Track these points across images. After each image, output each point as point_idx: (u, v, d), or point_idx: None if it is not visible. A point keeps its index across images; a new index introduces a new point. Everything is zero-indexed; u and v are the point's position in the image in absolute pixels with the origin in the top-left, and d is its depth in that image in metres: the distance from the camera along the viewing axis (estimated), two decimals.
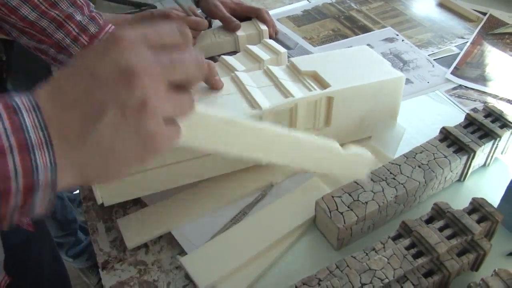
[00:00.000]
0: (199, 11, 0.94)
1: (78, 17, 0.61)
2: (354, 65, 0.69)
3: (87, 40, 0.61)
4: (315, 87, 0.64)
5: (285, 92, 0.63)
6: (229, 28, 0.92)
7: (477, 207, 0.53)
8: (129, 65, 0.30)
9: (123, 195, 0.61)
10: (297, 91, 0.63)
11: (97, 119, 0.30)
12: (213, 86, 0.63)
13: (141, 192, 0.61)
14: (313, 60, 0.69)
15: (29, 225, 0.66)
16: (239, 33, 0.91)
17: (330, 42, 0.96)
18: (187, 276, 0.57)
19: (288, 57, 0.79)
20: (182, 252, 0.59)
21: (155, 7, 1.08)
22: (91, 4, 0.64)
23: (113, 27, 0.64)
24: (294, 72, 0.67)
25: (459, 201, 0.60)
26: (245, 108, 0.60)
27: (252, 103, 0.61)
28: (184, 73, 0.33)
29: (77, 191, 1.53)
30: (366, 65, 0.69)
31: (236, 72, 0.66)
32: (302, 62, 0.68)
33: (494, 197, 0.58)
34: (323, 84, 0.64)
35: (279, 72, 0.67)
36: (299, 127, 0.64)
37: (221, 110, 0.40)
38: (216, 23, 0.97)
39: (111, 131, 0.31)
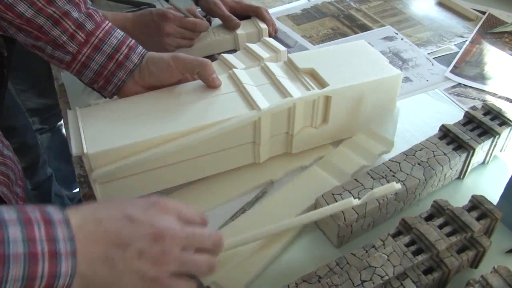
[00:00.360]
0: (198, 10, 0.94)
1: (75, 14, 0.60)
2: (351, 62, 0.69)
3: (83, 37, 0.61)
4: (313, 85, 0.64)
5: (283, 91, 0.63)
6: (228, 26, 0.92)
7: (477, 204, 0.53)
8: (161, 225, 0.41)
9: (125, 195, 0.61)
10: (295, 90, 0.63)
11: (118, 252, 0.39)
12: (211, 84, 0.63)
13: (141, 192, 0.61)
14: (310, 56, 0.70)
15: None
16: (239, 31, 0.91)
17: (330, 41, 0.96)
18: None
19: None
20: None
21: (153, 6, 1.08)
22: (88, 1, 0.64)
23: (110, 24, 0.64)
24: (292, 69, 0.67)
25: (459, 199, 0.60)
26: (244, 109, 0.60)
27: (251, 103, 0.61)
28: (200, 244, 0.44)
29: (77, 190, 1.52)
30: (363, 62, 0.69)
31: (233, 69, 0.66)
32: (300, 59, 0.68)
33: (494, 195, 0.59)
34: (320, 82, 0.64)
35: (277, 69, 0.67)
36: (297, 126, 0.64)
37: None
38: (216, 21, 0.97)
39: (126, 266, 0.39)
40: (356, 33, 0.99)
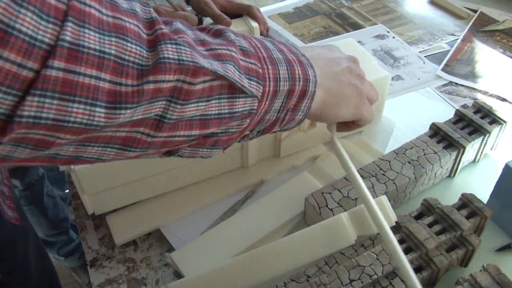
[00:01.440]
0: (189, 9, 0.93)
1: None
2: None
3: None
4: None
5: None
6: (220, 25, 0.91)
7: (466, 202, 0.53)
8: (355, 68, 0.49)
9: (112, 204, 0.61)
10: None
11: (336, 66, 0.46)
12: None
13: (129, 201, 0.61)
14: None
15: (16, 219, 0.65)
16: None
17: (321, 39, 0.96)
18: (175, 273, 0.57)
19: None
20: (171, 249, 0.59)
21: (146, 4, 1.07)
22: None
23: None
24: None
25: (449, 197, 0.60)
26: None
27: None
28: (373, 96, 0.51)
29: (67, 190, 1.51)
30: None
31: None
32: None
33: (484, 193, 0.59)
34: None
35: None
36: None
37: None
38: (207, 20, 0.96)
39: (344, 77, 0.46)
40: (348, 31, 0.98)
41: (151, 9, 0.32)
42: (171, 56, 0.30)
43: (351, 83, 0.46)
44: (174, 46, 0.30)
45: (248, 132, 0.41)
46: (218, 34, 0.38)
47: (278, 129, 0.44)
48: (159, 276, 0.57)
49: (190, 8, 0.96)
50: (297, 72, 0.40)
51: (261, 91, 0.37)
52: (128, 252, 0.60)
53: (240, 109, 0.36)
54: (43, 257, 0.82)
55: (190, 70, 0.31)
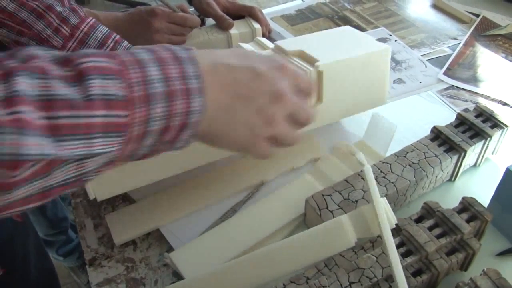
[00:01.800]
0: (191, 9, 0.93)
1: (59, 8, 0.60)
2: (339, 42, 0.68)
3: (68, 31, 0.60)
4: (304, 64, 0.62)
5: None
6: (222, 26, 0.91)
7: (467, 206, 0.53)
8: (281, 88, 0.42)
9: (115, 188, 0.60)
10: None
11: (241, 104, 0.40)
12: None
13: (132, 185, 0.60)
14: (298, 42, 0.68)
15: (18, 215, 0.65)
16: (232, 31, 0.90)
17: None
18: (174, 274, 0.57)
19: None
20: (170, 250, 0.59)
21: (149, 5, 1.07)
22: None
23: (94, 19, 0.63)
24: (280, 54, 0.66)
25: (450, 201, 0.60)
26: None
27: None
28: (299, 117, 0.45)
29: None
30: (351, 41, 0.68)
31: None
32: (287, 44, 0.67)
33: (485, 197, 0.58)
34: (311, 62, 0.62)
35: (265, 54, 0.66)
36: None
37: None
38: (210, 21, 0.96)
39: (244, 118, 0.41)
40: None
41: None
42: None
43: (248, 125, 0.42)
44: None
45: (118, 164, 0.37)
46: (79, 78, 0.31)
47: (156, 155, 0.40)
48: (158, 276, 0.57)
49: (193, 8, 0.96)
50: (177, 107, 0.36)
51: (122, 141, 0.33)
52: (127, 251, 0.60)
53: (92, 167, 0.33)
54: (43, 256, 0.82)
55: (5, 164, 0.27)
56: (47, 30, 0.60)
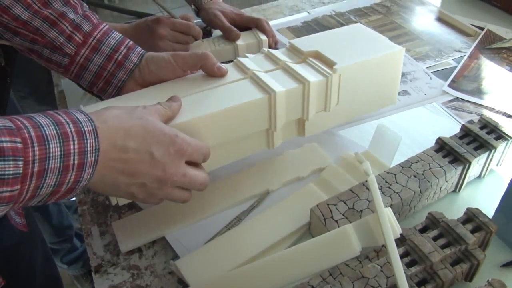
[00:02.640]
0: (197, 21, 0.94)
1: (72, 16, 0.60)
2: (353, 42, 0.69)
3: (81, 38, 0.61)
4: (323, 67, 0.63)
5: (294, 75, 0.62)
6: (228, 37, 0.92)
7: (472, 217, 0.53)
8: (169, 172, 0.49)
9: None
10: (307, 73, 0.62)
11: (125, 179, 0.47)
12: (217, 74, 0.61)
13: None
14: (312, 40, 0.69)
15: (23, 225, 0.66)
16: (239, 42, 0.92)
17: None
18: (179, 281, 0.57)
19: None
20: (176, 258, 0.59)
21: None
22: (84, 4, 0.64)
23: (107, 26, 0.64)
24: (296, 53, 0.67)
25: (454, 212, 0.60)
26: (257, 94, 0.58)
27: (264, 87, 0.59)
28: (191, 187, 0.53)
29: (74, 198, 1.52)
30: (365, 41, 0.69)
31: (238, 58, 0.65)
32: (302, 43, 0.68)
33: (490, 209, 0.58)
34: (327, 63, 0.64)
35: (281, 55, 0.67)
36: (311, 110, 0.63)
37: None
38: (217, 32, 0.98)
39: (125, 187, 0.48)
40: None
41: None
42: None
43: (129, 192, 0.49)
44: None
45: None
46: None
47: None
48: (163, 284, 0.58)
49: (200, 20, 0.97)
50: (68, 178, 0.41)
51: (9, 206, 0.38)
52: (132, 259, 0.61)
53: None
54: (50, 263, 0.83)
55: None
56: (60, 37, 0.60)
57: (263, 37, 0.93)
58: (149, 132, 0.47)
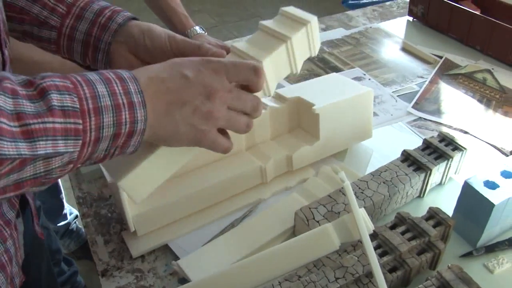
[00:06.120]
0: None
1: None
2: (329, 87, 0.80)
3: (64, 9, 0.60)
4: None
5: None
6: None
7: (433, 214, 0.62)
8: (212, 86, 0.47)
9: (154, 224, 0.69)
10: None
11: (177, 108, 0.46)
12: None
13: (169, 220, 0.70)
14: (294, 89, 0.82)
15: (41, 233, 0.71)
16: None
17: (305, 80, 1.06)
18: (180, 281, 0.64)
19: None
20: (176, 260, 0.66)
21: None
22: None
23: None
24: (281, 100, 0.78)
25: (419, 213, 0.68)
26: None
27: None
28: (243, 106, 0.50)
29: (62, 223, 1.56)
30: (339, 86, 0.81)
31: None
32: (286, 92, 0.80)
33: (450, 210, 0.67)
34: (308, 106, 0.75)
35: (269, 102, 0.77)
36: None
37: None
38: None
39: (182, 119, 0.47)
40: (328, 74, 1.09)
41: None
42: None
43: (188, 124, 0.47)
44: None
45: (79, 165, 0.43)
46: (41, 95, 0.39)
47: (110, 158, 0.46)
48: (165, 283, 0.64)
49: None
50: (123, 117, 0.42)
51: (80, 144, 0.40)
52: (136, 263, 0.67)
53: (57, 165, 0.40)
54: (52, 277, 0.87)
55: None
56: (44, 11, 0.60)
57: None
58: (176, 62, 0.48)
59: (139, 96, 0.43)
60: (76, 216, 1.64)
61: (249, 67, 0.49)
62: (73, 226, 1.62)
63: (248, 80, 0.50)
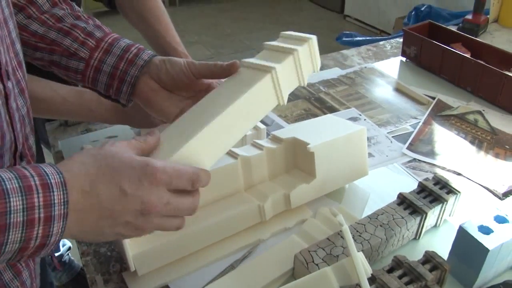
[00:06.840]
0: None
1: (83, 25, 0.67)
2: (324, 127, 0.83)
3: (94, 43, 0.66)
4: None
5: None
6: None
7: (429, 258, 0.64)
8: (149, 202, 0.46)
9: (154, 264, 0.69)
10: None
11: (107, 223, 0.45)
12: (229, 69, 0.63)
13: (169, 259, 0.70)
14: (291, 130, 0.84)
15: (58, 264, 0.71)
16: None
17: (302, 120, 1.09)
18: None
19: (267, 132, 0.92)
20: None
21: None
22: (95, 19, 0.70)
23: (117, 34, 0.69)
24: (277, 141, 0.80)
25: (415, 256, 0.70)
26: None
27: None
28: (177, 215, 0.50)
29: (56, 254, 1.55)
30: (333, 126, 0.84)
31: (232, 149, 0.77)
32: (282, 133, 0.81)
33: (444, 252, 0.69)
34: (303, 145, 0.77)
35: (265, 143, 0.79)
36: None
37: None
38: None
39: (111, 231, 0.46)
40: (325, 113, 1.12)
41: None
42: None
43: (117, 234, 0.47)
44: None
45: None
46: None
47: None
48: None
49: None
50: (35, 233, 0.40)
51: None
52: None
53: None
54: None
55: None
56: (74, 44, 0.65)
57: (262, 126, 1.00)
58: (116, 170, 0.45)
59: (62, 208, 0.42)
60: (69, 248, 1.64)
61: (190, 178, 0.49)
62: (66, 258, 1.61)
63: (188, 189, 0.50)
